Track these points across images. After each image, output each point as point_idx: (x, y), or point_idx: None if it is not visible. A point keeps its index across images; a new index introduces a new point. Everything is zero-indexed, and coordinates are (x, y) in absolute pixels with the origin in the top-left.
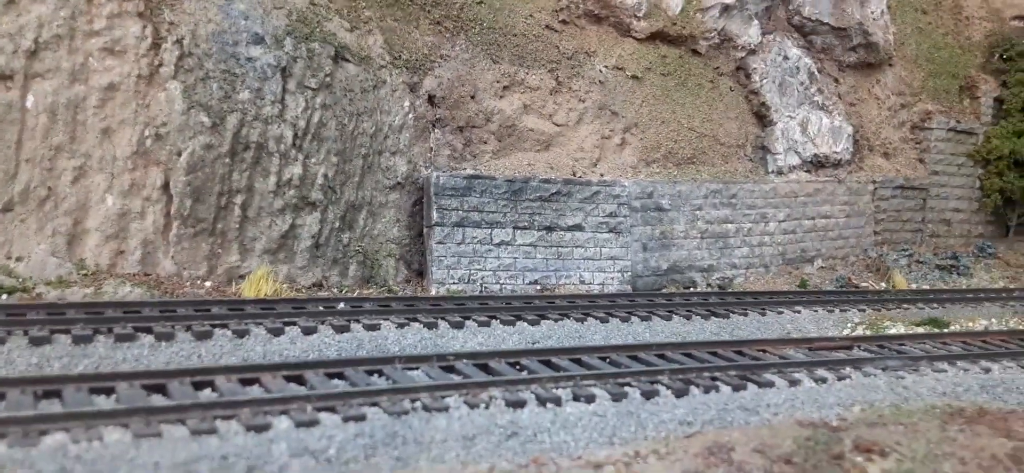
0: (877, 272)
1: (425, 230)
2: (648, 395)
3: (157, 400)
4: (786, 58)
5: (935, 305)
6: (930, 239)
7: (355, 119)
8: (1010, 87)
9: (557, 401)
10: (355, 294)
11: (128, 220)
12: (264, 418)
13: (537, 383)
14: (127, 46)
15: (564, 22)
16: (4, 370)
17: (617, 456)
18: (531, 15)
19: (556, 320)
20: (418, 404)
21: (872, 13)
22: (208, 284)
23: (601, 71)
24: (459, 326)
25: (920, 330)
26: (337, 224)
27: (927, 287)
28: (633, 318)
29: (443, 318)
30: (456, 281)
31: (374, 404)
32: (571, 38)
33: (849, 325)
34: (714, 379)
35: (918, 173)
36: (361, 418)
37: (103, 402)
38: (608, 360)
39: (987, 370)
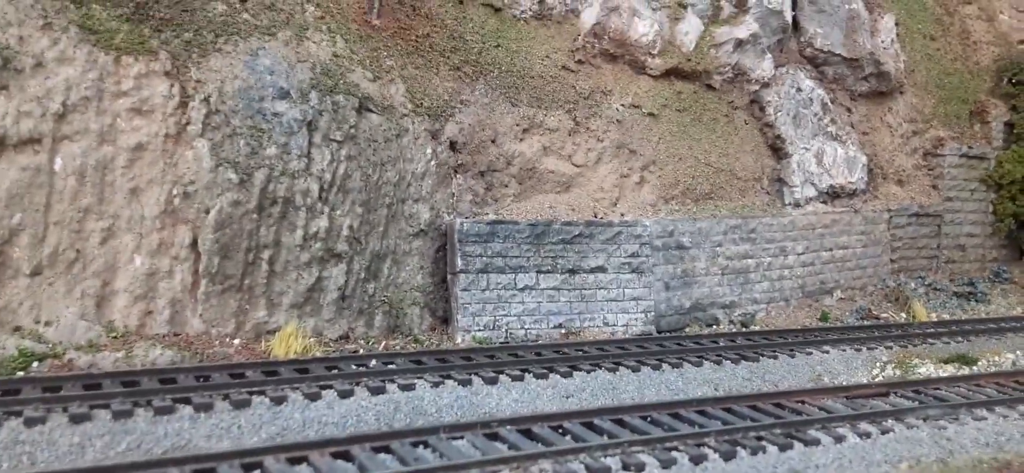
0: (896, 301)
1: (449, 277)
2: (696, 460)
3: None
4: (799, 90)
5: (959, 338)
6: (945, 265)
7: (379, 169)
8: (1019, 111)
9: (607, 471)
10: (382, 345)
11: (156, 280)
12: None
13: (586, 453)
14: (155, 105)
15: (580, 62)
16: (48, 452)
17: None
18: (548, 56)
19: (588, 372)
20: None
21: (882, 42)
22: (237, 341)
23: (618, 109)
24: (493, 381)
25: (950, 368)
26: (362, 274)
27: (948, 316)
28: (664, 365)
29: (476, 374)
30: (481, 328)
31: None
32: (587, 78)
33: (878, 364)
34: (759, 439)
35: (932, 200)
36: None
37: None
38: (649, 419)
39: None
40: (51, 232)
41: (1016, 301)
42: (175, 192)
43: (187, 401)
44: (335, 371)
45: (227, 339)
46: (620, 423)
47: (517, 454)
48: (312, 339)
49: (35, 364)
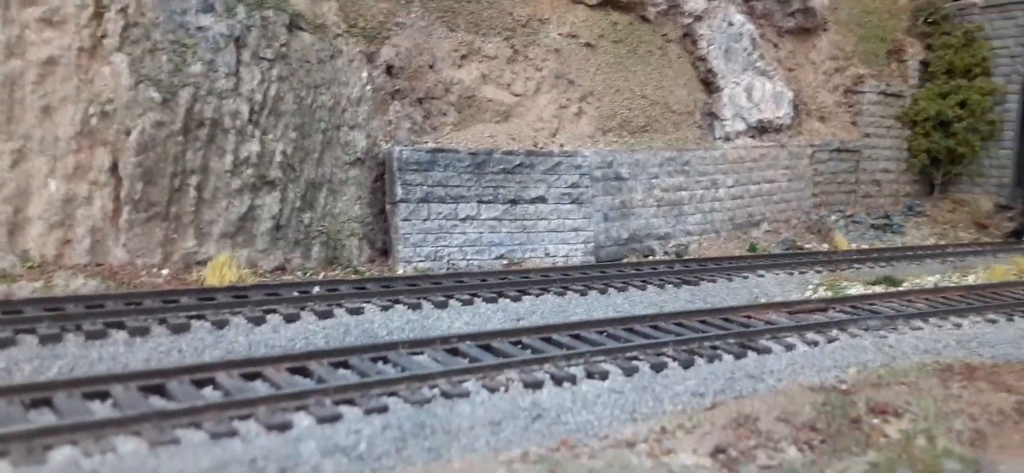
0: (818, 233)
1: (389, 207)
2: (657, 368)
3: (163, 403)
4: (730, 24)
5: (882, 264)
6: (863, 199)
7: (313, 92)
8: (935, 50)
9: (573, 380)
10: (320, 276)
11: (74, 206)
12: (283, 416)
13: (550, 362)
14: (67, 16)
15: None
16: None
17: (644, 433)
18: None
19: (537, 295)
20: (437, 391)
21: None
22: (165, 272)
23: (556, 38)
24: (443, 306)
25: (878, 289)
26: (298, 204)
27: (867, 246)
28: (610, 289)
29: (425, 298)
30: (422, 258)
31: (393, 394)
32: (525, 5)
33: (810, 286)
34: (715, 349)
35: (851, 136)
36: (384, 409)
37: (104, 409)
38: (607, 334)
39: (958, 326)
40: None
41: (929, 232)
42: (92, 111)
43: (120, 326)
44: (276, 297)
45: (154, 269)
46: (578, 337)
47: (482, 365)
48: (246, 270)
49: None
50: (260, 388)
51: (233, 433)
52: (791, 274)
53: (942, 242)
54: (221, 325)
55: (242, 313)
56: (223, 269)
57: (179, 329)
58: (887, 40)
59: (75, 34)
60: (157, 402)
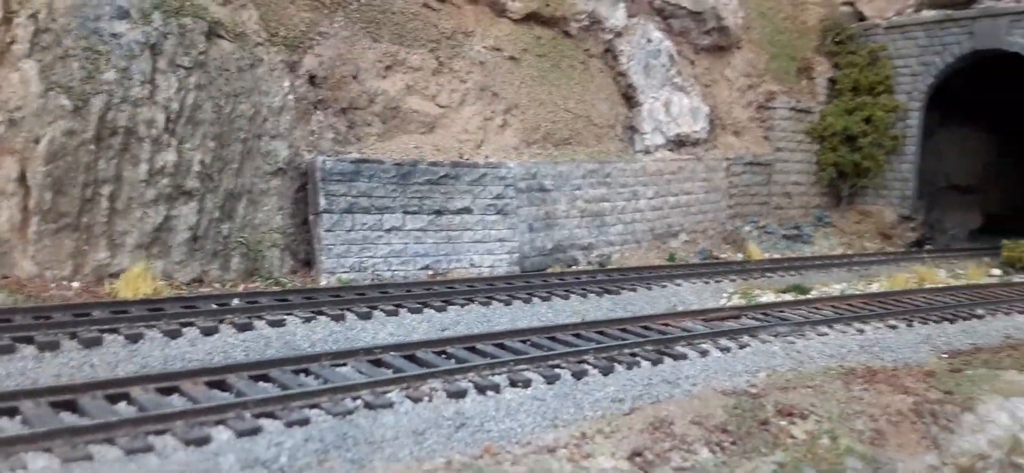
0: (733, 243)
1: (311, 218)
2: (578, 375)
3: (75, 419)
4: (649, 41)
5: (792, 273)
6: (775, 210)
7: (232, 101)
8: (841, 68)
9: (496, 388)
10: (240, 289)
11: None
12: (201, 431)
13: (474, 371)
14: None
15: (441, 0)
16: None
17: (565, 438)
18: None
19: (462, 305)
20: (360, 402)
21: None
22: (75, 284)
23: (480, 51)
24: (367, 317)
25: (788, 296)
26: (216, 214)
27: (779, 255)
28: (534, 299)
29: (349, 310)
30: (346, 269)
31: (315, 406)
32: (449, 17)
33: (724, 294)
34: (634, 355)
35: (764, 150)
36: (306, 422)
37: (13, 426)
38: (530, 343)
39: (861, 331)
40: None
41: (837, 242)
42: None
43: (29, 341)
44: (193, 309)
45: (64, 282)
46: (502, 346)
47: (405, 375)
48: (162, 282)
49: None
50: (177, 403)
51: (149, 449)
52: (707, 283)
53: (849, 251)
54: (135, 339)
55: (157, 326)
56: (137, 281)
57: (91, 343)
58: (797, 58)
59: None
60: (69, 418)
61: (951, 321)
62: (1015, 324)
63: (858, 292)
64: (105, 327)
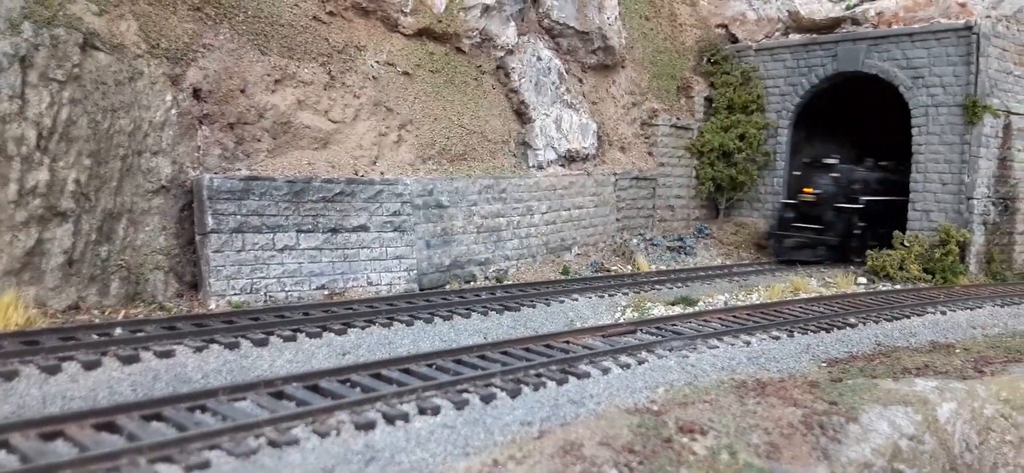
0: (623, 255)
1: (198, 238)
2: (487, 399)
3: None
4: (539, 58)
5: (679, 285)
6: (660, 223)
7: (110, 116)
8: (717, 87)
9: (405, 418)
10: (120, 314)
11: None
12: None
13: (381, 400)
14: None
15: (331, 13)
16: None
17: (477, 467)
18: (297, 5)
19: (363, 328)
20: (264, 440)
21: (608, 18)
22: None
23: (373, 66)
24: (263, 343)
25: (677, 308)
26: (94, 236)
27: (664, 267)
28: (436, 318)
29: (243, 336)
30: (237, 291)
31: (215, 447)
32: (340, 31)
33: (619, 308)
34: (539, 376)
35: (649, 165)
36: (206, 465)
37: None
38: (436, 367)
39: (747, 343)
40: None
41: (717, 253)
42: None
43: None
44: (73, 341)
45: None
46: (408, 372)
47: (311, 408)
48: (35, 310)
49: None
50: (63, 449)
51: None
52: (602, 297)
53: (728, 262)
54: (9, 376)
55: (33, 362)
56: (8, 310)
57: None
58: (677, 77)
59: None
60: None
61: (827, 330)
62: (884, 331)
63: (741, 303)
64: None
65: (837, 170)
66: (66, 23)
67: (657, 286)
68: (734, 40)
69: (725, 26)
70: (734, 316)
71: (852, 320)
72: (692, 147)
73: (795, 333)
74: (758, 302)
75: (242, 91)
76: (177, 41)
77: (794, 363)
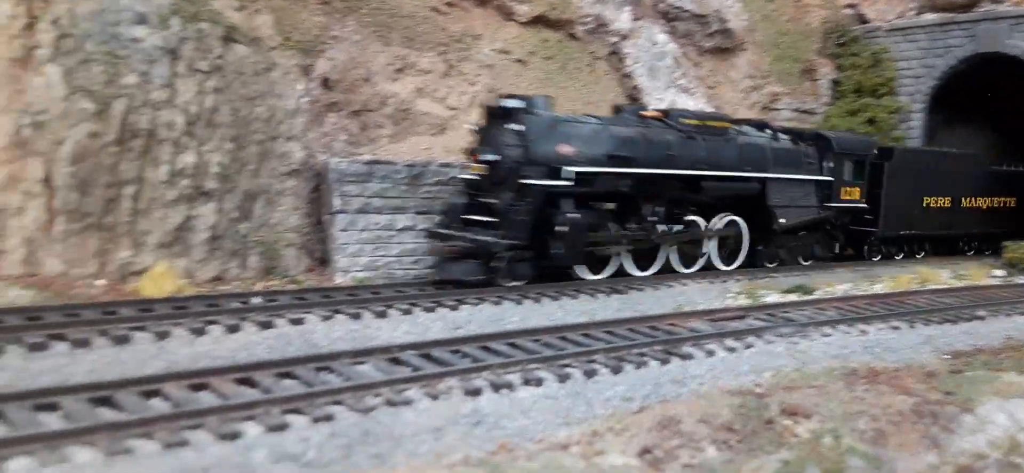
0: None
1: (326, 218)
2: (589, 374)
3: (113, 415)
4: (654, 43)
5: (797, 272)
6: None
7: (248, 104)
8: (844, 70)
9: (510, 386)
10: (259, 287)
11: (6, 217)
12: (233, 426)
13: (489, 370)
14: None
15: (450, 4)
16: None
17: (577, 436)
18: None
19: (475, 305)
20: (381, 399)
21: (726, 1)
22: (100, 282)
23: (488, 54)
24: (383, 315)
25: (793, 296)
26: (234, 214)
27: None
28: (544, 299)
29: (365, 308)
30: (361, 268)
31: (339, 403)
32: (457, 21)
33: (730, 294)
34: (642, 355)
35: None
36: (330, 418)
37: (53, 420)
38: (542, 342)
39: (864, 332)
40: None
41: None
42: (24, 122)
43: (62, 338)
44: (217, 308)
45: (90, 279)
46: (514, 346)
47: (423, 373)
48: (183, 280)
49: None
50: (208, 399)
51: (184, 443)
52: (712, 283)
53: (850, 250)
54: (163, 336)
55: (183, 324)
56: (161, 280)
57: (121, 341)
58: (800, 60)
59: (7, 44)
60: (107, 413)
61: (953, 322)
62: (1016, 325)
63: (862, 293)
64: (133, 325)
65: (524, 121)
66: (209, 18)
67: (773, 273)
68: (863, 20)
69: (853, 6)
70: (852, 305)
71: (981, 313)
72: None
73: (917, 324)
74: (881, 291)
75: (366, 80)
76: (308, 34)
77: (912, 354)
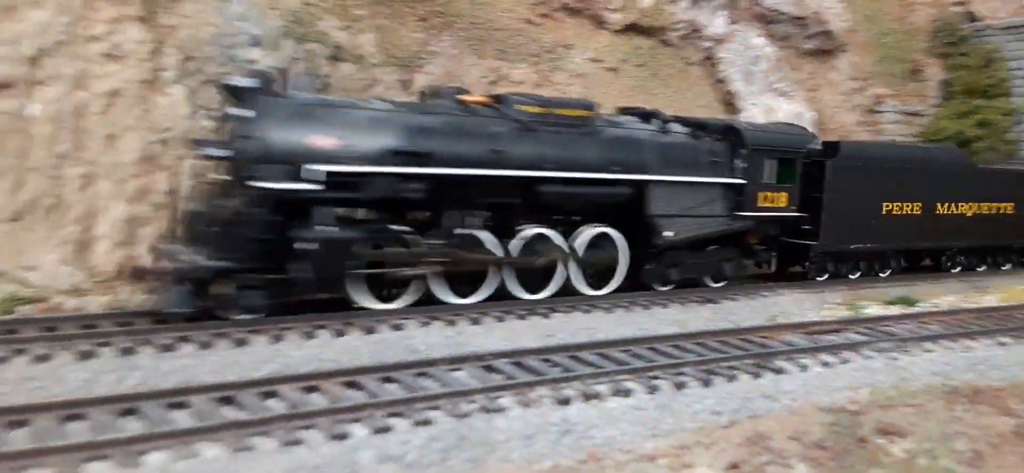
0: None
1: None
2: (678, 386)
3: (235, 413)
4: (750, 47)
5: (901, 282)
6: None
7: None
8: (953, 70)
9: (599, 396)
10: None
11: (137, 226)
12: (342, 427)
13: (578, 380)
14: (128, 51)
15: (543, 15)
16: (60, 387)
17: (665, 448)
18: (511, 9)
19: (565, 313)
20: (476, 406)
21: (826, 2)
22: None
23: (580, 63)
24: (477, 323)
25: (894, 309)
26: None
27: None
28: (634, 307)
29: (460, 316)
30: None
31: (436, 408)
32: (550, 31)
33: (827, 305)
34: (733, 369)
35: None
36: (429, 422)
37: (184, 418)
38: (631, 353)
39: (969, 349)
40: (29, 178)
41: None
42: (152, 139)
43: (187, 340)
44: (325, 315)
45: None
46: (604, 356)
47: (515, 381)
48: None
49: (23, 308)
50: (319, 400)
51: (299, 442)
52: (810, 293)
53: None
54: (277, 339)
55: (295, 328)
56: None
57: (240, 343)
58: (906, 60)
59: (136, 67)
60: (230, 413)
61: None
62: None
63: (970, 306)
64: (251, 329)
65: (257, 104)
66: (317, 39)
67: (875, 283)
68: (973, 18)
69: (963, 2)
70: (958, 319)
71: None
72: (924, 135)
73: None
74: (990, 305)
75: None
76: (407, 50)
77: (1020, 371)
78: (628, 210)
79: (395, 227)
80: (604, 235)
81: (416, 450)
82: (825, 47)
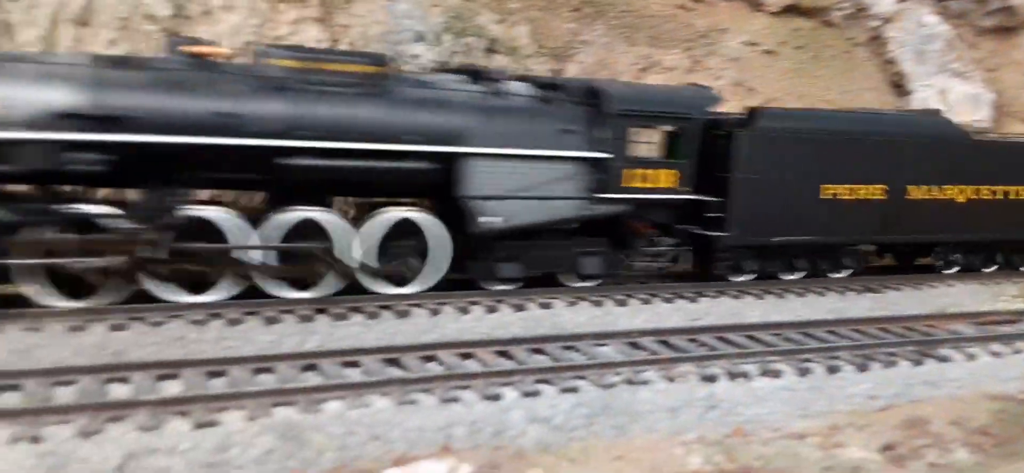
0: None
1: None
2: (831, 370)
3: (401, 372)
4: (922, 25)
5: None
6: None
7: None
8: None
9: (746, 376)
10: None
11: None
12: (494, 389)
13: (725, 359)
14: None
15: (697, 0)
16: (250, 348)
17: (815, 428)
18: None
19: (713, 298)
20: (621, 378)
21: None
22: None
23: (735, 47)
24: (623, 304)
25: None
26: None
27: None
28: (788, 295)
29: (607, 297)
30: None
31: (582, 378)
32: (704, 16)
33: (1003, 297)
34: (892, 355)
35: None
36: (575, 390)
37: (357, 375)
38: (781, 336)
39: None
40: None
41: None
42: None
43: (359, 310)
44: (477, 291)
45: None
46: (752, 338)
47: (660, 357)
48: None
49: None
50: (473, 366)
51: (456, 400)
52: (984, 284)
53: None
54: (435, 313)
55: (451, 303)
56: None
57: (402, 315)
58: None
59: None
60: (395, 372)
61: None
62: None
63: None
64: (412, 303)
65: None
66: (475, 33)
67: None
68: None
69: None
70: None
71: None
72: None
73: None
74: None
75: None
76: (560, 41)
77: None
78: (442, 190)
79: (88, 209)
80: (405, 221)
81: (563, 414)
82: (1007, 24)
